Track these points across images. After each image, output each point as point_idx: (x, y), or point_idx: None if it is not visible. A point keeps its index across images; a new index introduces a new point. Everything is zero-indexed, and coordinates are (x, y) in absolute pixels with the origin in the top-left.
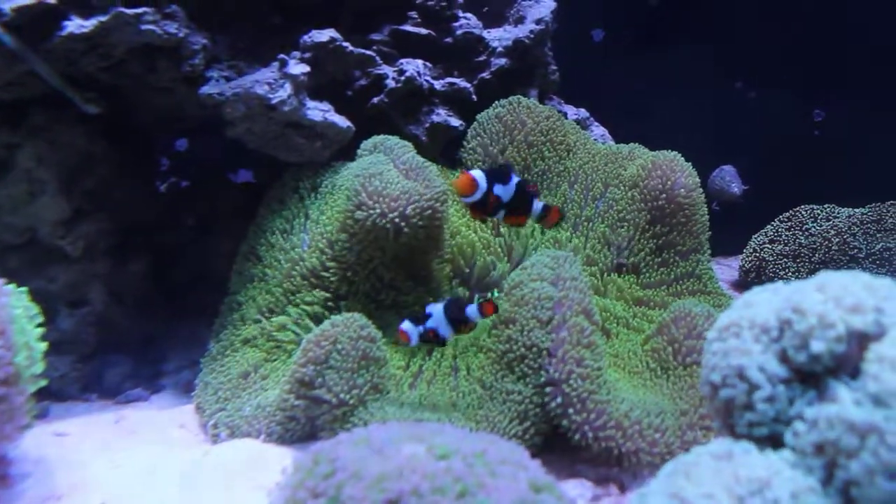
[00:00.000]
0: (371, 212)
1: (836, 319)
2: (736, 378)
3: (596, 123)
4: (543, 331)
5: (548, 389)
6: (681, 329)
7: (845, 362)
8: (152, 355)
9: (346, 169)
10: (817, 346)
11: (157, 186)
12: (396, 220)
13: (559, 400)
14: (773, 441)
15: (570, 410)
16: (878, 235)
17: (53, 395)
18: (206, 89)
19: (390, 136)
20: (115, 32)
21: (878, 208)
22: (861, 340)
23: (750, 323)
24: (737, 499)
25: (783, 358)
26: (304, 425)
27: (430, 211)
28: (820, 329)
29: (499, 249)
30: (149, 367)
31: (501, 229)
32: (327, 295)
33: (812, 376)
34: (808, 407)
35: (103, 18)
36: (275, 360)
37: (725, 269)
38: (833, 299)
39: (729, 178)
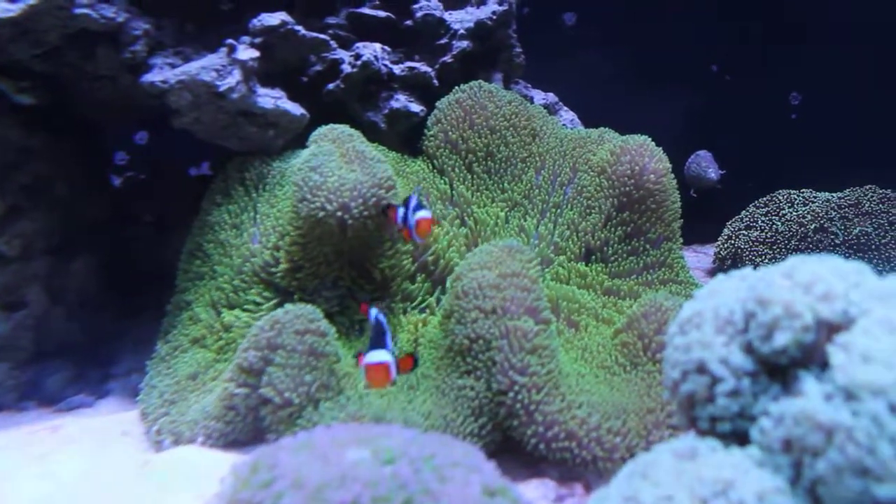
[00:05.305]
0: (312, 206)
1: (803, 308)
2: (696, 373)
3: (565, 108)
4: (489, 321)
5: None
6: (651, 324)
7: (814, 353)
8: (101, 358)
9: (294, 158)
10: (782, 338)
11: (111, 181)
12: (339, 213)
13: (502, 412)
14: (740, 437)
15: (516, 423)
16: (855, 220)
17: None
18: (148, 77)
19: (338, 125)
20: (46, 17)
21: (855, 192)
22: (830, 330)
23: (713, 313)
24: (699, 500)
25: (749, 350)
26: (244, 416)
27: (374, 199)
28: (786, 319)
29: (463, 241)
30: (97, 370)
31: (466, 220)
32: (278, 291)
33: (780, 369)
34: (773, 402)
35: (32, 2)
36: (225, 360)
37: (702, 257)
38: (801, 286)
39: (705, 164)
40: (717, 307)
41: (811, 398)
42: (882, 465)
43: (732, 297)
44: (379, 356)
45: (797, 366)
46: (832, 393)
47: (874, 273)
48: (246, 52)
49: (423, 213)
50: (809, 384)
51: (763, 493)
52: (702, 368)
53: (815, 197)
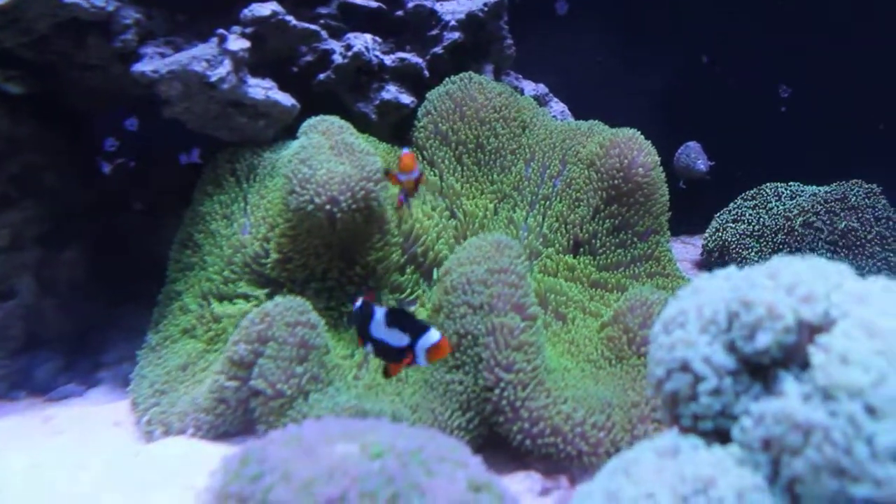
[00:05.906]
0: (301, 199)
1: (785, 310)
2: (680, 371)
3: (555, 99)
4: (477, 317)
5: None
6: (636, 318)
7: (796, 354)
8: (91, 347)
9: (285, 149)
10: (764, 338)
11: (102, 168)
12: (328, 206)
13: (489, 408)
14: (722, 435)
15: (501, 419)
16: (841, 214)
17: None
18: (138, 67)
19: (328, 116)
20: (35, 5)
21: (842, 186)
22: (812, 331)
23: (697, 313)
24: (680, 498)
25: (732, 349)
26: (234, 409)
27: (362, 192)
28: (768, 320)
29: (452, 233)
30: (87, 360)
31: (456, 212)
32: (268, 283)
33: (761, 368)
34: (754, 401)
35: None
36: (215, 350)
37: (690, 249)
38: (784, 288)
39: (694, 155)
40: (700, 306)
41: (790, 398)
42: (858, 466)
43: (716, 296)
44: (436, 333)
45: (778, 366)
46: (811, 393)
47: (855, 273)
48: (237, 43)
49: (405, 149)
50: (789, 384)
51: (742, 490)
52: (685, 367)
53: (802, 190)
